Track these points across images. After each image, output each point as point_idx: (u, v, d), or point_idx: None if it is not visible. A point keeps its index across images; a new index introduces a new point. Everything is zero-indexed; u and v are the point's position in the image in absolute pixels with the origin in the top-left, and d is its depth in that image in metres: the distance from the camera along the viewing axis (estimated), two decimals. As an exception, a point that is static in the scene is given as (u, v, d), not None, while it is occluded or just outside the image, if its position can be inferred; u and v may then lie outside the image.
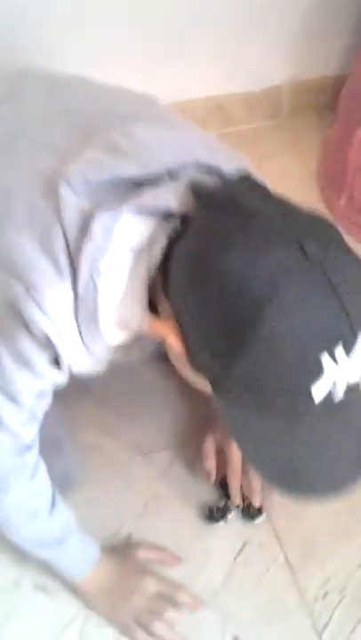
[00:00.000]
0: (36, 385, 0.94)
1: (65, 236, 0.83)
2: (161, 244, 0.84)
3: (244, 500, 1.31)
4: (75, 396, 1.34)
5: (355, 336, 0.75)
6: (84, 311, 0.84)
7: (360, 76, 1.78)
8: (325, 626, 1.21)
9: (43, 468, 1.08)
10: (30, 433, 1.02)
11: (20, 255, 0.84)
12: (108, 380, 1.40)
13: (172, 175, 0.86)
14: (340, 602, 1.24)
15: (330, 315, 0.74)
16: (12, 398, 0.93)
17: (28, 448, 1.03)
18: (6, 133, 0.96)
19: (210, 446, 1.30)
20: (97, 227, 0.81)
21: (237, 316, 0.74)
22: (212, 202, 0.81)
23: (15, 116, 1.00)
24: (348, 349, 0.74)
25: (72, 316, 0.85)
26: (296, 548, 1.29)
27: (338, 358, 0.74)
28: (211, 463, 1.29)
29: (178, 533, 1.29)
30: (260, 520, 1.30)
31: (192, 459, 1.37)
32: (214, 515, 1.30)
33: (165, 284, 0.84)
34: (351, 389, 0.77)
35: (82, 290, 0.83)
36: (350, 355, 0.75)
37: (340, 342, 0.74)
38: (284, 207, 0.81)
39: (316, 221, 0.81)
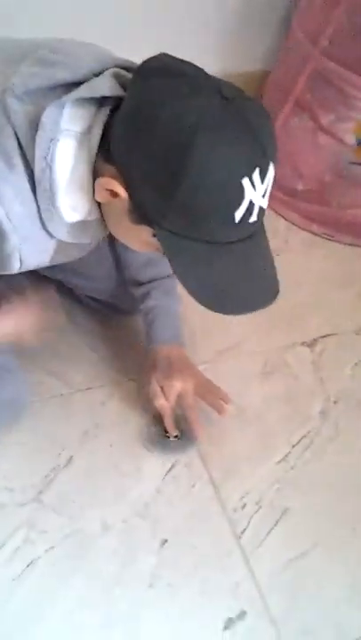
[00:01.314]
0: None
1: (16, 135, 0.98)
2: (99, 127, 0.99)
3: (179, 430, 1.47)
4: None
5: (268, 163, 0.94)
6: (42, 192, 1.00)
7: (281, 68, 1.98)
8: (243, 531, 1.37)
9: None
10: None
11: None
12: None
13: (97, 76, 1.02)
14: (256, 512, 1.40)
15: (248, 145, 0.92)
16: None
17: None
18: None
19: (156, 386, 1.44)
20: (46, 118, 0.96)
21: (173, 147, 0.90)
22: (140, 74, 0.97)
23: None
24: (262, 175, 0.93)
25: (27, 202, 1.00)
26: (219, 468, 1.45)
27: (255, 182, 0.92)
28: (162, 401, 1.43)
29: (115, 455, 1.44)
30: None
31: (128, 394, 1.54)
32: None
33: (107, 155, 0.99)
34: (261, 213, 0.97)
35: (38, 173, 0.98)
36: (264, 180, 0.94)
37: (258, 169, 0.92)
38: (201, 69, 0.97)
39: (226, 81, 0.97)
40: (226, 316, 1.00)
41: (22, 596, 1.25)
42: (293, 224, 1.99)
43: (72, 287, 1.63)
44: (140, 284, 1.50)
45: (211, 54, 2.19)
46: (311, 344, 1.71)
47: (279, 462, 1.47)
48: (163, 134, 0.91)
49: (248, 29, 2.21)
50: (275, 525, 1.38)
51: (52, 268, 1.51)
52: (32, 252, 1.08)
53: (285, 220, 1.99)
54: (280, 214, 1.98)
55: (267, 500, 1.41)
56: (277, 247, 1.90)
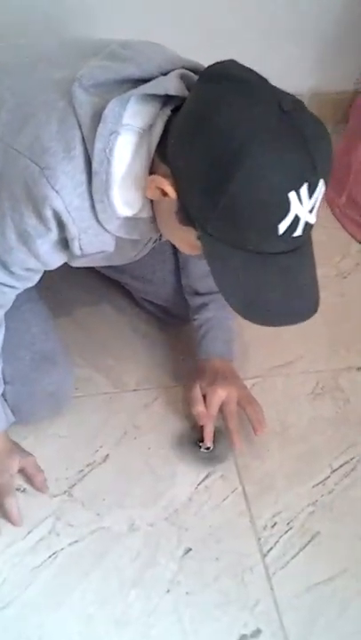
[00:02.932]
0: (29, 262, 1.11)
1: (79, 125, 1.00)
2: (160, 125, 1.00)
3: (214, 442, 1.46)
4: (75, 336, 1.53)
5: (317, 180, 0.92)
6: (98, 184, 1.01)
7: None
8: (270, 550, 1.34)
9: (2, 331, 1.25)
10: (7, 297, 1.20)
11: (38, 143, 1.00)
12: (108, 326, 1.59)
13: (164, 75, 1.03)
14: (285, 532, 1.37)
15: (299, 159, 0.90)
16: (4, 265, 1.11)
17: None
18: (26, 63, 1.13)
19: (198, 393, 1.45)
20: (109, 111, 0.98)
21: (223, 153, 0.89)
22: (204, 77, 0.97)
23: (33, 52, 1.18)
24: (311, 190, 0.91)
25: (83, 194, 1.02)
26: (254, 483, 1.43)
27: (302, 197, 0.91)
28: (200, 408, 1.44)
29: (151, 458, 1.45)
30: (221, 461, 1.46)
31: (172, 399, 1.55)
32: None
33: (163, 154, 1.00)
34: (308, 228, 0.95)
35: (96, 165, 0.99)
36: (312, 195, 0.92)
37: (306, 184, 0.91)
38: (265, 80, 0.96)
39: (288, 93, 0.95)
40: (282, 332, 0.99)
41: (40, 584, 1.27)
42: (366, 246, 1.95)
43: (130, 289, 1.65)
44: (198, 294, 1.50)
45: (304, 70, 2.19)
46: (368, 369, 1.67)
47: (317, 485, 1.44)
48: (215, 140, 0.90)
49: (345, 47, 2.19)
50: (303, 548, 1.35)
51: (112, 268, 1.55)
52: (91, 243, 1.10)
53: (359, 242, 1.95)
54: (354, 236, 1.94)
55: (298, 521, 1.38)
56: (348, 269, 1.87)
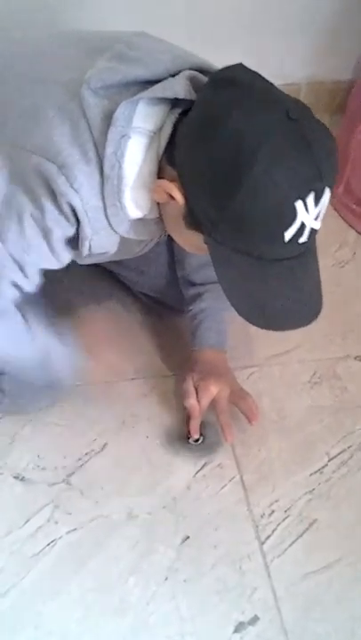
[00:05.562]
0: (45, 260, 1.12)
1: (90, 128, 1.00)
2: (168, 127, 1.01)
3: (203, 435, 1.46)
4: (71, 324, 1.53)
5: (323, 188, 0.93)
6: (110, 187, 1.02)
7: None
8: (267, 538, 1.35)
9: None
10: (14, 299, 1.20)
11: (53, 146, 1.01)
12: (106, 315, 1.58)
13: (172, 75, 1.04)
14: (283, 520, 1.38)
15: (306, 168, 0.91)
16: (20, 265, 1.12)
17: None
18: (28, 59, 1.13)
19: (190, 386, 1.46)
20: (119, 114, 0.98)
21: (232, 162, 0.90)
22: (213, 82, 0.98)
23: (32, 47, 1.17)
24: (317, 199, 0.93)
25: (98, 195, 1.03)
26: (252, 472, 1.44)
27: (309, 206, 0.92)
28: (192, 401, 1.44)
29: (149, 447, 1.45)
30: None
31: (171, 388, 1.55)
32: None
33: (171, 157, 1.01)
34: (313, 234, 0.96)
35: (108, 169, 1.00)
36: (318, 203, 0.93)
37: (312, 192, 0.92)
38: (273, 85, 0.98)
39: (296, 99, 0.97)
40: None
41: (39, 572, 1.27)
42: (364, 236, 1.95)
43: (125, 282, 1.65)
44: (194, 284, 1.50)
45: (300, 59, 2.18)
46: (365, 358, 1.68)
47: (314, 473, 1.44)
48: (222, 147, 0.91)
49: (342, 36, 2.18)
50: (300, 536, 1.35)
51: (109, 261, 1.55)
52: (100, 244, 1.11)
53: (356, 231, 1.95)
54: (351, 225, 1.94)
55: (296, 509, 1.39)
56: (345, 258, 1.88)
